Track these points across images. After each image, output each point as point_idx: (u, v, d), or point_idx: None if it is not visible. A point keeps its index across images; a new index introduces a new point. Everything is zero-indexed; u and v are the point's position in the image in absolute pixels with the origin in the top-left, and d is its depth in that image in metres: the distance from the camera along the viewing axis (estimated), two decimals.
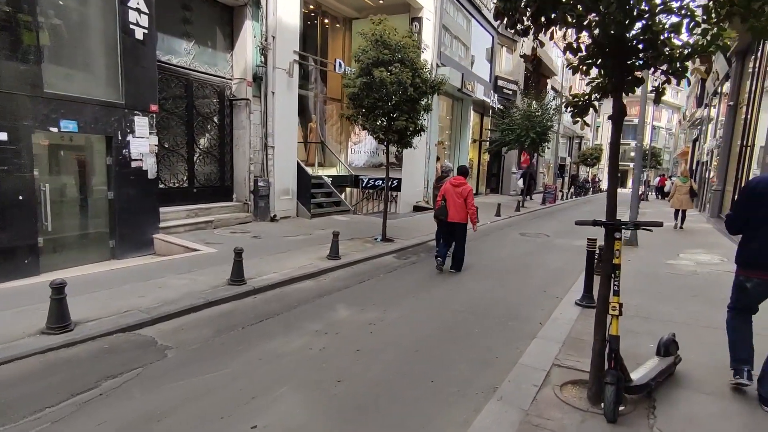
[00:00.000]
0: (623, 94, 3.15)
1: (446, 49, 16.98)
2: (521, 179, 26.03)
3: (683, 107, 42.08)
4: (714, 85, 18.49)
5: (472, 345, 4.14)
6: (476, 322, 4.74)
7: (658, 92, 3.16)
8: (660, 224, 2.98)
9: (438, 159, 18.85)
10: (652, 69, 3.01)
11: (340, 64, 11.76)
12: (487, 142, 21.08)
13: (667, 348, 3.31)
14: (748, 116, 11.69)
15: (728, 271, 6.75)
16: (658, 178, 36.01)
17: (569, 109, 3.26)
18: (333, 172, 16.42)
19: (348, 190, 16.36)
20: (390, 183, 15.82)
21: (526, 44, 23.85)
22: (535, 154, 27.87)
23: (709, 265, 7.45)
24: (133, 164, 6.80)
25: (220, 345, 3.95)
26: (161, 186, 8.20)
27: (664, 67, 2.99)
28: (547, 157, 32.47)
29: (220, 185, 9.57)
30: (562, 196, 25.79)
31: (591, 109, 3.27)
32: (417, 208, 15.17)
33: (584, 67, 3.17)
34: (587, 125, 3.22)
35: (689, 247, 9.20)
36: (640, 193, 9.61)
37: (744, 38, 12.33)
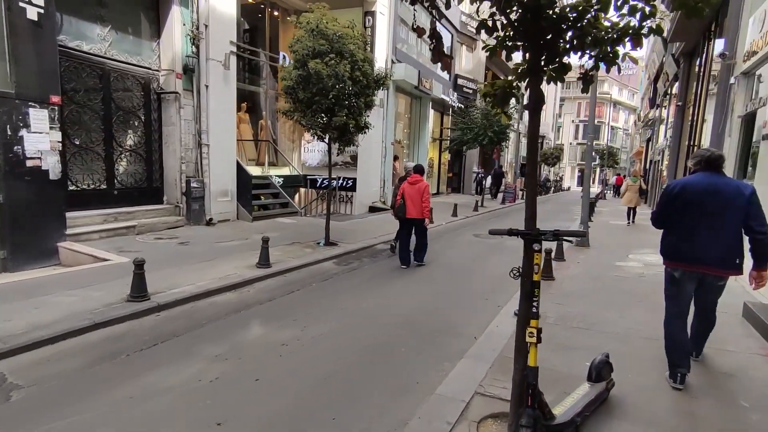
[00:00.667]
0: (549, 82, 2.75)
1: (404, 45, 16.57)
2: (489, 178, 26.16)
3: (638, 108, 43.45)
4: (665, 86, 18.90)
5: (394, 368, 3.66)
6: (405, 339, 4.26)
7: (586, 79, 2.76)
8: (584, 234, 2.59)
9: (396, 158, 18.47)
10: (580, 53, 2.62)
11: (284, 57, 11.11)
12: (448, 141, 20.83)
13: (600, 372, 2.92)
14: (695, 117, 11.82)
15: None
16: (615, 177, 37.01)
17: (487, 99, 2.82)
18: (286, 171, 15.71)
19: (302, 190, 15.70)
20: (344, 183, 15.32)
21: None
22: (500, 154, 28.08)
23: (655, 266, 7.27)
24: (29, 163, 5.96)
25: (89, 379, 3.30)
26: (72, 188, 7.34)
27: (594, 51, 2.59)
28: (510, 157, 32.80)
29: (148, 186, 8.74)
30: (523, 195, 25.88)
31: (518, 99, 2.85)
32: (373, 209, 14.69)
33: (504, 51, 2.75)
34: (506, 115, 2.79)
35: (639, 246, 9.10)
36: (598, 191, 9.63)
37: (691, 39, 12.51)
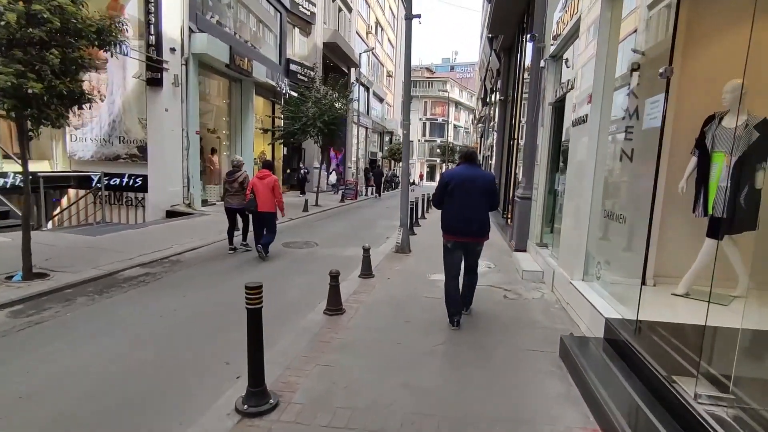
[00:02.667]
0: None
1: (212, 14, 13.71)
2: (332, 174, 24.50)
3: (476, 108, 46.94)
4: (491, 84, 19.50)
5: None
6: None
7: None
8: None
9: (214, 151, 15.54)
10: None
11: None
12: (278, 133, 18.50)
13: None
14: (514, 110, 11.65)
15: (493, 287, 5.62)
16: None
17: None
18: (45, 166, 11.68)
19: (72, 192, 11.85)
20: (131, 182, 11.95)
21: (320, 28, 22.05)
22: (343, 149, 26.73)
23: None
24: None
25: None
26: None
27: None
28: (360, 154, 31.93)
29: None
30: (369, 191, 24.99)
31: None
32: (173, 214, 11.66)
33: None
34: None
35: None
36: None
37: (508, 32, 12.38)
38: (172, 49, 11.47)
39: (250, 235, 7.84)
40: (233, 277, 6.21)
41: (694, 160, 4.01)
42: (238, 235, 7.93)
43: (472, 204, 4.05)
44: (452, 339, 3.94)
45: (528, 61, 9.23)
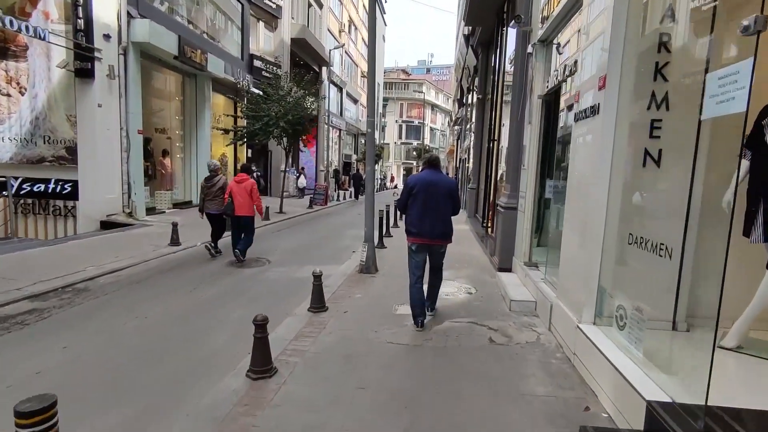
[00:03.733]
0: None
1: (163, 2, 12.25)
2: (300, 177, 23.03)
3: (452, 111, 46.20)
4: (467, 82, 18.54)
5: None
6: None
7: None
8: None
9: (166, 153, 13.98)
10: None
11: None
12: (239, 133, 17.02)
13: None
14: (494, 107, 10.59)
15: (475, 324, 4.19)
16: None
17: None
18: None
19: None
20: (58, 188, 10.38)
21: (287, 23, 20.70)
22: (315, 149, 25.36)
23: (451, 307, 5.00)
24: None
25: None
26: None
27: None
28: (333, 156, 30.57)
29: None
30: (340, 196, 23.69)
31: None
32: (110, 225, 10.13)
33: None
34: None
35: None
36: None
37: (486, 23, 11.36)
38: (107, 36, 9.97)
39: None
40: (149, 309, 4.87)
41: (746, 164, 2.95)
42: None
43: (435, 207, 4.23)
44: (420, 418, 2.74)
45: (510, 52, 8.19)
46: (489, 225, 10.14)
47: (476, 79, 15.06)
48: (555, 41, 5.50)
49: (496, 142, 10.16)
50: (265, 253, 8.15)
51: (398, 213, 12.52)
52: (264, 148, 19.71)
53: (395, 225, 11.82)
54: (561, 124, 5.06)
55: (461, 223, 13.23)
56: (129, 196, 10.92)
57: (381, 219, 9.08)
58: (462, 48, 19.77)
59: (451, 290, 5.61)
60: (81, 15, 9.50)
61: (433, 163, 4.38)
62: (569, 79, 4.56)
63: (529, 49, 5.76)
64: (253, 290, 5.83)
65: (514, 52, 6.69)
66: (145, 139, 13.51)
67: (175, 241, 8.22)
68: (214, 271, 6.76)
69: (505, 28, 9.60)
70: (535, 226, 5.92)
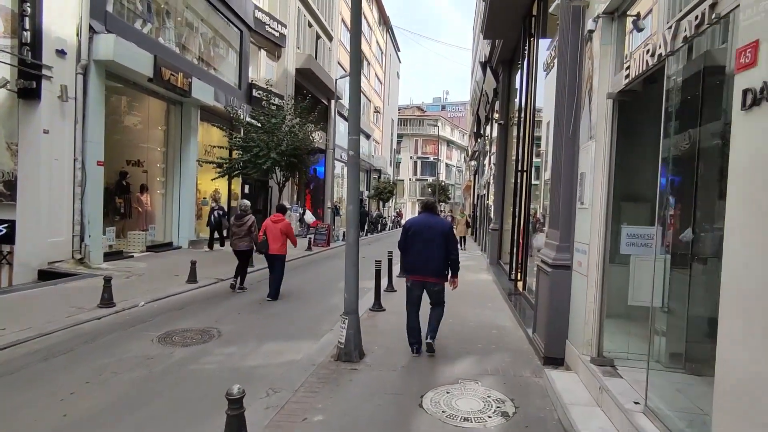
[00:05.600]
0: None
1: (145, 23, 10.92)
2: (307, 213, 21.05)
3: (468, 146, 44.60)
4: (485, 111, 16.74)
5: None
6: None
7: None
8: None
9: (144, 189, 12.29)
10: None
11: None
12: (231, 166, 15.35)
13: None
14: (522, 135, 8.58)
15: None
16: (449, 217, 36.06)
17: None
18: None
19: None
20: None
21: (292, 53, 19.50)
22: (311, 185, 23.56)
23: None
24: None
25: None
26: None
27: None
28: (340, 192, 28.79)
29: None
30: (342, 236, 21.53)
31: None
32: (53, 275, 8.23)
33: None
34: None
35: (455, 360, 4.81)
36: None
37: (508, 33, 9.56)
38: (61, 52, 8.48)
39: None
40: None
41: None
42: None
43: (430, 246, 4.55)
44: None
45: (545, 52, 6.27)
46: (519, 278, 7.93)
47: (496, 104, 13.21)
48: (630, 12, 3.54)
49: (525, 173, 8.12)
50: (220, 318, 6.08)
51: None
52: (264, 183, 18.04)
53: (401, 274, 9.65)
54: (661, 137, 2.98)
55: (482, 272, 10.98)
56: (82, 239, 9.10)
57: (378, 271, 6.99)
58: (478, 77, 18.17)
59: (474, 407, 3.41)
60: (28, 26, 8.02)
61: (429, 207, 4.89)
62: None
63: (590, 25, 3.77)
64: (164, 396, 3.72)
65: (558, 40, 4.73)
66: (120, 173, 11.97)
67: (106, 301, 6.25)
68: (124, 357, 4.66)
69: (533, 34, 7.77)
70: (603, 297, 3.74)
